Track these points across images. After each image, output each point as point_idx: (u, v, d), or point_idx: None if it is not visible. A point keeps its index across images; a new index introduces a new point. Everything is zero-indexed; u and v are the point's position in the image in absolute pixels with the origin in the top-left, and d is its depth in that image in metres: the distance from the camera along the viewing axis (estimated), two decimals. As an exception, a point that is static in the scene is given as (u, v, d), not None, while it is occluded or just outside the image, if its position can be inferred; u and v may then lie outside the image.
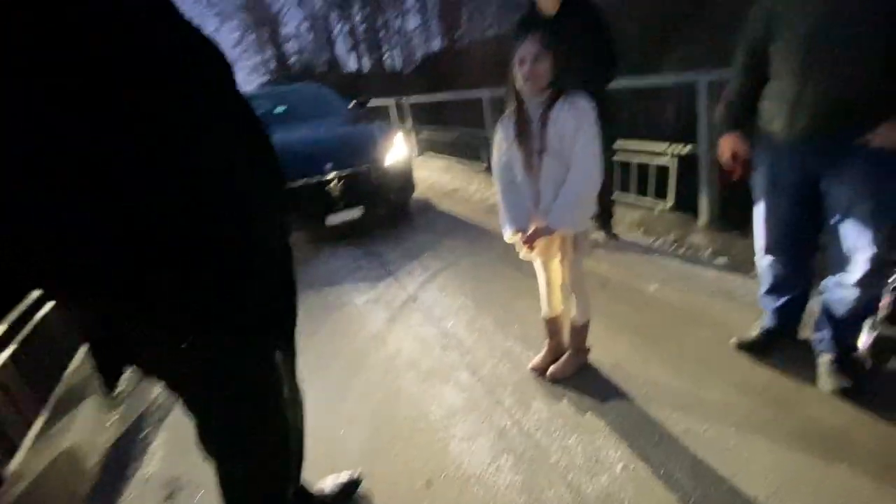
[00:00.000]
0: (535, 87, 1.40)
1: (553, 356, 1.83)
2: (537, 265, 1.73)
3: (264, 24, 31.53)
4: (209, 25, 28.74)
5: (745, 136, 1.58)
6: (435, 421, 1.69)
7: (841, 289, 1.42)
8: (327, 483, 1.41)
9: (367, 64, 34.73)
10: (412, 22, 36.24)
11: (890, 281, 1.36)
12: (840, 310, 1.46)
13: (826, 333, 1.54)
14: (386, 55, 35.72)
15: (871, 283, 1.36)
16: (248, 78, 29.37)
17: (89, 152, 0.62)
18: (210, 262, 0.76)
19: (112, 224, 0.66)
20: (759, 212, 1.61)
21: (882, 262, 1.32)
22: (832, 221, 1.39)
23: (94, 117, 0.62)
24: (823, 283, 1.50)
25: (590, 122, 1.41)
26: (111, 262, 0.69)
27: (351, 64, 35.30)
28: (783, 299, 1.67)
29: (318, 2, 33.71)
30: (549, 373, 1.78)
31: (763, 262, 1.68)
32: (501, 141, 1.56)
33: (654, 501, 1.27)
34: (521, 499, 1.34)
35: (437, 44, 36.42)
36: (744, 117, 1.55)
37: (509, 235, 1.60)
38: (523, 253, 1.65)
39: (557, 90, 1.41)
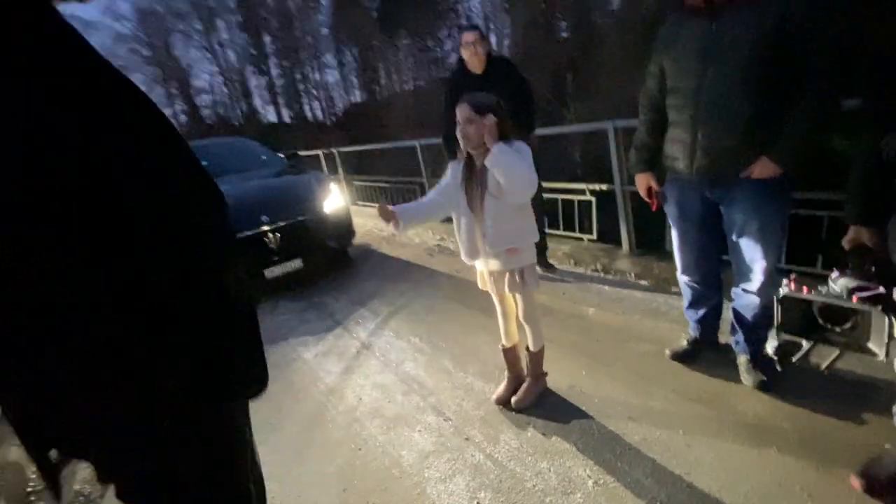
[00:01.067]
0: (469, 145, 1.57)
1: (514, 385, 1.91)
2: (495, 299, 1.84)
3: (173, 78, 30.46)
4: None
5: (654, 174, 1.86)
6: (408, 467, 1.66)
7: (745, 296, 1.69)
8: None
9: (286, 115, 34.60)
10: (331, 75, 37.00)
11: (780, 290, 1.63)
12: (748, 315, 1.72)
13: (740, 337, 1.79)
14: (307, 106, 35.93)
15: (768, 290, 1.63)
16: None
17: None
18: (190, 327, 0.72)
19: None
20: (674, 238, 1.87)
21: (773, 271, 1.60)
22: (732, 239, 1.66)
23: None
24: (732, 292, 1.76)
25: (526, 155, 1.57)
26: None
27: (270, 115, 35.00)
28: (702, 311, 1.92)
29: (232, 56, 33.47)
30: (512, 402, 1.85)
31: (681, 280, 1.94)
32: (449, 180, 1.72)
33: (627, 510, 1.36)
34: (506, 530, 1.36)
35: (357, 95, 37.38)
36: (652, 159, 1.83)
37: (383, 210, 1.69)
38: (479, 283, 1.76)
39: (490, 142, 1.57)
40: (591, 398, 1.86)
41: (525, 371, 1.92)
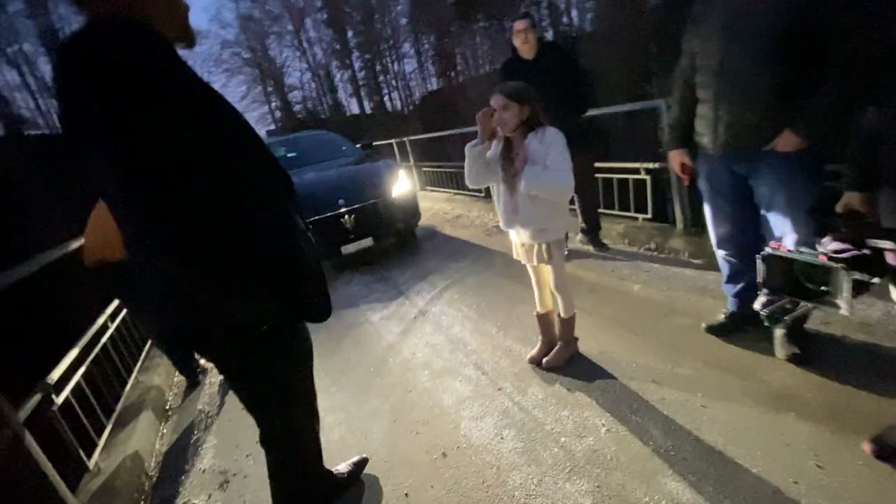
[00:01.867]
0: (506, 130, 1.76)
1: (547, 348, 2.10)
2: (529, 270, 2.04)
3: (269, 77, 33.33)
4: (217, 81, 30.48)
5: (688, 150, 1.91)
6: (447, 407, 1.96)
7: None
8: (341, 466, 1.67)
9: (368, 106, 36.25)
10: (409, 65, 37.95)
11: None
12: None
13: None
14: (386, 97, 37.33)
15: None
16: (256, 126, 30.72)
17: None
18: (279, 273, 1.05)
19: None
20: (707, 212, 1.92)
21: (805, 244, 1.61)
22: (763, 213, 1.69)
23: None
24: None
25: (557, 145, 1.73)
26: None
27: (353, 107, 36.92)
28: (739, 286, 1.95)
29: (318, 53, 35.75)
30: (543, 362, 2.05)
31: (718, 254, 1.98)
32: (492, 154, 1.88)
33: (633, 453, 1.52)
34: (522, 459, 1.59)
35: (433, 84, 37.94)
36: (684, 136, 1.88)
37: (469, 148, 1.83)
38: (514, 253, 1.98)
39: (529, 126, 1.75)
40: (619, 363, 1.99)
41: (557, 336, 2.10)
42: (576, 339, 2.09)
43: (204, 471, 1.95)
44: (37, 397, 1.63)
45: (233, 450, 2.04)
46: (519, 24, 2.91)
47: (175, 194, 0.84)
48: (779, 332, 1.82)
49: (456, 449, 1.71)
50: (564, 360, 2.05)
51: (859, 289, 1.06)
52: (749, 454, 1.41)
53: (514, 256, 2.02)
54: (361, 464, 1.70)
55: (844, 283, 1.01)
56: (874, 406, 1.47)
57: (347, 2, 34.15)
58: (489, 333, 2.50)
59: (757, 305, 1.29)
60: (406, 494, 1.57)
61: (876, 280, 1.05)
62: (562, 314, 2.02)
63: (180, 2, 0.97)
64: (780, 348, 1.79)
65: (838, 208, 1.22)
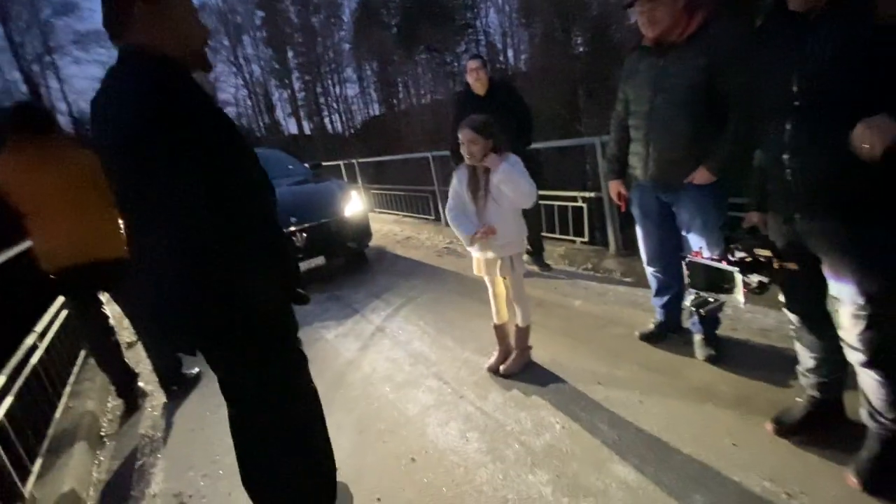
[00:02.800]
0: (473, 160, 1.96)
1: (503, 357, 2.27)
2: (488, 283, 2.21)
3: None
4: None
5: (623, 181, 2.22)
6: (412, 416, 2.04)
7: None
8: None
9: (307, 127, 35.70)
10: (351, 90, 38.14)
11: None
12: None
13: (695, 318, 2.12)
14: (327, 119, 37.04)
15: None
16: (185, 142, 29.03)
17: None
18: (280, 263, 1.16)
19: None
20: (638, 234, 2.23)
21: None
22: (683, 234, 2.01)
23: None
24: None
25: (518, 163, 1.97)
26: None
27: (291, 127, 36.18)
28: (665, 298, 2.26)
29: (256, 70, 34.84)
30: (501, 369, 2.21)
31: (648, 271, 2.29)
32: (456, 184, 2.10)
33: (584, 445, 1.70)
34: (488, 458, 1.71)
35: (376, 109, 38.36)
36: (621, 169, 2.20)
37: (467, 240, 2.07)
38: (475, 269, 2.14)
39: (492, 152, 1.96)
40: (567, 368, 2.21)
41: (513, 345, 2.28)
42: (530, 348, 2.28)
43: (155, 495, 1.84)
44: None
45: (185, 471, 1.95)
46: (472, 63, 3.19)
47: (201, 196, 0.94)
48: (697, 337, 2.14)
49: (424, 453, 1.79)
50: (520, 367, 2.22)
51: (761, 288, 1.35)
52: (680, 439, 1.65)
53: (475, 272, 2.19)
54: None
55: (738, 281, 1.28)
56: (774, 394, 1.79)
57: (289, 23, 33.89)
58: (447, 346, 2.62)
59: (686, 302, 1.55)
60: (378, 499, 1.62)
61: (765, 279, 1.35)
62: (519, 323, 2.21)
63: (198, 38, 1.10)
64: (699, 350, 2.10)
65: (744, 225, 1.53)
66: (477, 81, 3.18)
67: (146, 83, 0.96)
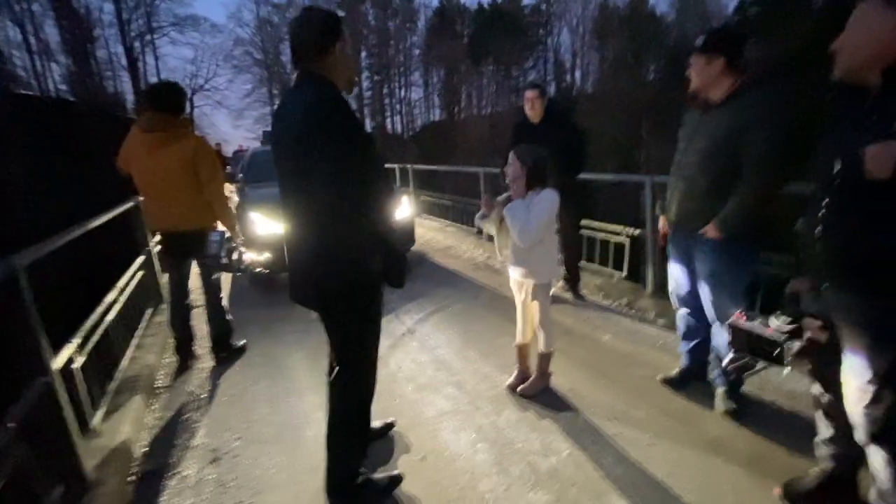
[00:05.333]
0: (516, 194, 2.10)
1: (522, 377, 2.36)
2: (517, 303, 2.32)
3: (277, 80, 33.75)
4: (224, 75, 30.80)
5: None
6: (429, 418, 2.17)
7: (719, 334, 2.04)
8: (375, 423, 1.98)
9: (369, 125, 36.98)
10: (416, 93, 39.15)
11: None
12: (723, 351, 2.07)
13: (718, 370, 2.13)
14: (388, 119, 38.20)
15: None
16: (254, 127, 30.96)
17: None
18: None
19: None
20: (669, 273, 2.27)
21: (718, 317, 1.97)
22: (699, 281, 2.05)
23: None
24: (712, 330, 2.12)
25: (544, 202, 2.05)
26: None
27: (355, 124, 37.56)
28: (692, 343, 2.27)
29: (330, 66, 36.47)
30: (519, 389, 2.30)
31: (679, 312, 2.31)
32: (497, 208, 2.23)
33: (588, 475, 1.77)
34: (493, 469, 1.82)
35: (436, 114, 39.12)
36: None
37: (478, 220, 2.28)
38: (500, 258, 2.31)
39: (531, 186, 2.09)
40: (585, 399, 2.26)
41: (533, 367, 2.36)
42: (550, 374, 2.36)
43: (196, 446, 2.08)
44: (65, 354, 1.78)
45: (223, 431, 2.18)
46: (529, 93, 3.31)
47: (339, 180, 1.34)
48: (720, 390, 2.14)
49: (435, 455, 1.92)
50: (538, 390, 2.30)
51: (802, 355, 1.39)
52: (683, 486, 1.68)
53: (511, 286, 2.31)
54: (390, 426, 2.08)
55: (786, 351, 1.32)
56: (789, 459, 1.77)
57: (367, 25, 35.33)
58: (471, 358, 2.74)
59: (725, 362, 1.59)
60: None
61: (796, 344, 1.38)
62: (542, 348, 2.29)
63: (353, 73, 1.56)
64: (720, 403, 2.10)
65: (787, 290, 1.56)
66: (531, 111, 3.30)
67: (320, 97, 1.38)
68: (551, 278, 2.23)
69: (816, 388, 1.52)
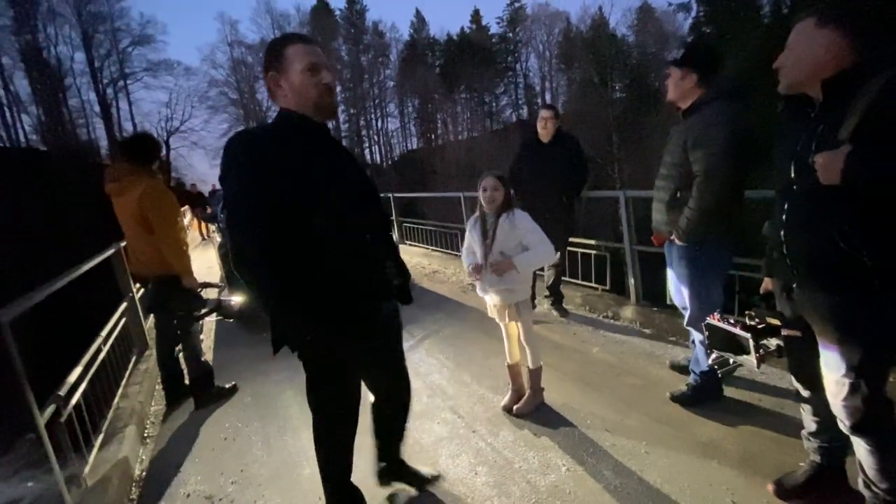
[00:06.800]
0: (491, 207, 2.16)
1: (516, 397, 2.38)
2: (501, 326, 2.35)
3: (252, 118, 34.00)
4: (200, 116, 30.97)
5: None
6: (426, 445, 2.16)
7: (693, 332, 2.16)
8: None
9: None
10: (392, 124, 39.85)
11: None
12: (698, 349, 2.17)
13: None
14: (367, 150, 38.66)
15: (695, 326, 2.11)
16: (234, 165, 30.93)
17: None
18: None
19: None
20: (668, 279, 2.39)
21: (695, 314, 2.09)
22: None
23: None
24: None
25: (528, 224, 2.14)
26: None
27: (333, 157, 37.91)
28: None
29: (306, 102, 37.05)
30: (514, 409, 2.32)
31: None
32: (469, 232, 2.30)
33: (587, 489, 1.78)
34: (494, 492, 1.81)
35: (414, 143, 39.76)
36: None
37: (468, 270, 2.29)
38: (489, 311, 2.30)
39: (504, 207, 2.16)
40: (578, 412, 2.29)
41: (526, 385, 2.39)
42: (542, 390, 2.38)
43: (188, 495, 2.02)
44: (52, 407, 1.73)
45: (217, 476, 2.13)
46: (544, 112, 3.46)
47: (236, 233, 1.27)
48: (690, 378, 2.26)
49: (435, 482, 1.91)
50: (532, 408, 2.32)
51: (779, 352, 1.47)
52: (681, 491, 1.71)
53: (489, 315, 2.34)
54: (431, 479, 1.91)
55: (750, 346, 1.39)
56: (780, 456, 1.82)
57: (339, 61, 36.12)
58: (465, 382, 2.75)
59: (709, 361, 1.67)
60: (389, 519, 1.74)
61: (781, 343, 1.45)
62: (530, 365, 2.32)
63: (306, 95, 1.34)
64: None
65: (761, 291, 1.64)
66: (544, 129, 3.42)
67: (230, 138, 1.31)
68: (529, 294, 2.28)
69: (797, 384, 1.59)
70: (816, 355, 1.46)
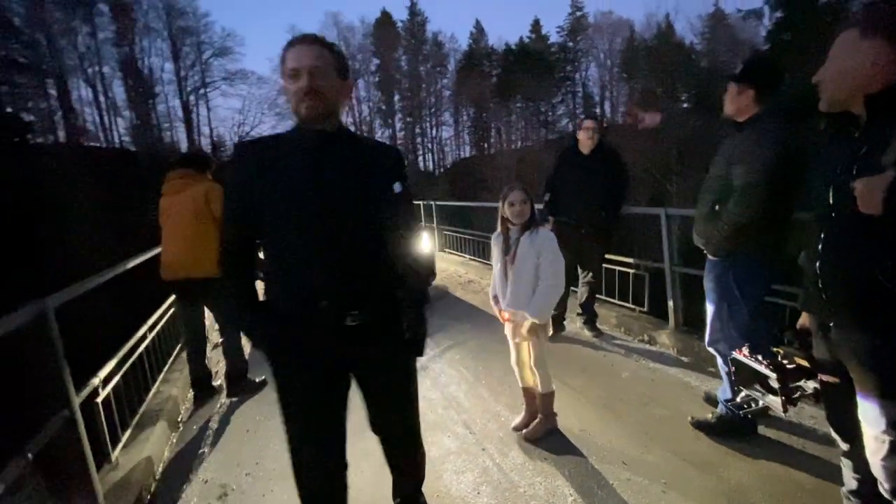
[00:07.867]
0: (519, 221, 2.12)
1: (529, 418, 2.30)
2: (511, 347, 2.29)
3: (315, 125, 35.75)
4: (268, 122, 33.16)
5: None
6: (433, 458, 2.13)
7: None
8: None
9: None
10: (446, 132, 40.41)
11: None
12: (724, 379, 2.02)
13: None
14: (420, 157, 39.45)
15: (716, 347, 2.03)
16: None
17: None
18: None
19: None
20: None
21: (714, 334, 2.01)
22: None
23: None
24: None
25: (549, 246, 2.07)
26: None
27: (388, 163, 39.18)
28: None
29: (365, 111, 38.55)
30: (523, 433, 2.24)
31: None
32: (494, 248, 2.27)
33: (593, 524, 1.68)
34: (493, 515, 1.76)
35: (466, 151, 40.02)
36: None
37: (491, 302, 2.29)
38: (506, 331, 2.25)
39: (528, 224, 2.11)
40: (595, 442, 2.17)
41: (538, 409, 2.30)
42: (554, 415, 2.28)
43: (206, 481, 2.14)
44: (89, 388, 1.91)
45: (233, 467, 2.23)
46: (587, 123, 3.35)
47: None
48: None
49: (436, 497, 1.88)
50: (542, 433, 2.23)
51: (815, 397, 1.33)
52: (696, 541, 1.57)
53: (506, 333, 2.29)
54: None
55: (779, 387, 1.26)
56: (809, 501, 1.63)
57: (399, 70, 37.24)
58: (482, 396, 2.70)
59: (738, 399, 1.54)
60: (386, 529, 1.73)
61: (810, 385, 1.30)
62: (540, 390, 2.23)
63: (292, 101, 1.32)
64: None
65: (798, 325, 1.48)
66: (588, 140, 3.32)
67: None
68: (547, 317, 2.19)
69: (835, 435, 1.41)
70: (856, 405, 1.29)
